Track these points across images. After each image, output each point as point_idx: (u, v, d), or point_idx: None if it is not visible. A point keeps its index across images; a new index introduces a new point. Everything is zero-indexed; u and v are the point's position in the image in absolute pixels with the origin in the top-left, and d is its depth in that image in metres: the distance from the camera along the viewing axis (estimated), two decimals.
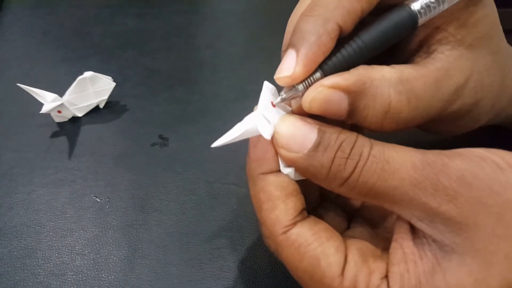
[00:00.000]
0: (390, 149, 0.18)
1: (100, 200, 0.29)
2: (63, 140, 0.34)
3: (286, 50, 0.20)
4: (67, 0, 0.53)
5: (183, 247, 0.26)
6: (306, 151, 0.18)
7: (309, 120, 0.19)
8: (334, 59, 0.19)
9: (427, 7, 0.19)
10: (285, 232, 0.19)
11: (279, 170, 0.20)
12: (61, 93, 0.35)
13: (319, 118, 0.20)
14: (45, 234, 0.27)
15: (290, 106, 0.21)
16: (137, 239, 0.27)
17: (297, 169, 0.19)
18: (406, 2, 0.19)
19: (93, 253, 0.26)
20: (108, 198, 0.30)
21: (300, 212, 0.19)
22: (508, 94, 0.24)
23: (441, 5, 0.19)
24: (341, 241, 0.19)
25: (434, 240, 0.17)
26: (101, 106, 0.37)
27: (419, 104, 0.20)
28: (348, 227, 0.23)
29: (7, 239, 0.27)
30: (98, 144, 0.34)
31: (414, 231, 0.18)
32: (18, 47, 0.46)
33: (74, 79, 0.35)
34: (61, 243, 0.27)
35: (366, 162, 0.17)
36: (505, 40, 0.24)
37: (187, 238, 0.27)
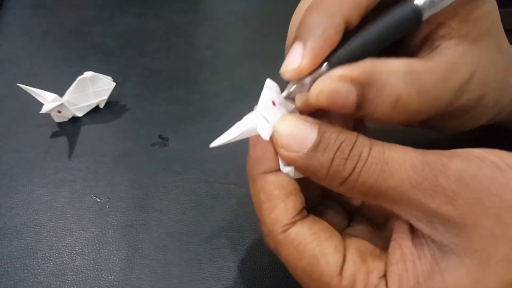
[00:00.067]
0: (390, 149, 0.18)
1: (100, 200, 0.29)
2: (63, 140, 0.34)
3: (291, 45, 0.20)
4: (67, 0, 0.54)
5: (183, 247, 0.26)
6: (305, 150, 0.18)
7: (309, 119, 0.19)
8: (340, 52, 0.19)
9: (431, 2, 0.19)
10: (284, 231, 0.19)
11: (279, 169, 0.20)
12: (61, 93, 0.35)
13: (320, 116, 0.20)
14: (45, 234, 0.27)
15: (293, 103, 0.21)
16: (137, 239, 0.27)
17: (297, 169, 0.19)
18: None
19: (93, 253, 0.26)
20: (108, 198, 0.30)
21: (300, 211, 0.19)
22: (510, 92, 0.25)
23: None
24: (340, 241, 0.19)
25: (433, 241, 0.17)
26: (101, 106, 0.37)
27: (428, 96, 0.20)
28: (349, 225, 0.23)
29: (7, 239, 0.27)
30: (98, 144, 0.34)
31: (413, 231, 0.18)
32: (18, 47, 0.46)
33: (74, 79, 0.35)
34: (61, 243, 0.27)
35: (365, 162, 0.17)
36: (506, 39, 0.24)
37: (187, 238, 0.27)
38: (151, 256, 0.26)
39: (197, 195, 0.30)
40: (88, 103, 0.36)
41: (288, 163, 0.19)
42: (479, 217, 0.16)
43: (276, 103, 0.20)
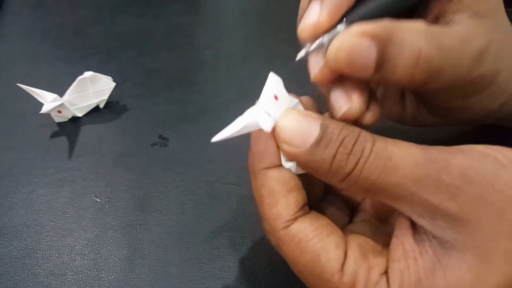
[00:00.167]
0: (393, 145, 0.18)
1: (100, 200, 0.29)
2: (63, 140, 0.34)
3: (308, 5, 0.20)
4: (67, 0, 0.54)
5: (183, 247, 0.26)
6: (308, 146, 0.18)
7: (312, 114, 0.19)
8: (358, 10, 0.19)
9: None
10: (286, 227, 0.19)
11: (281, 165, 0.20)
12: (61, 93, 0.35)
13: (335, 88, 0.20)
14: (45, 234, 0.27)
15: (297, 97, 0.21)
16: (137, 239, 0.27)
17: (299, 164, 0.19)
18: None
19: (93, 253, 0.26)
20: (108, 198, 0.30)
21: (302, 207, 0.19)
22: None
23: None
24: (342, 237, 0.19)
25: (435, 237, 0.17)
26: (101, 106, 0.37)
27: (448, 56, 0.19)
28: (350, 221, 0.23)
29: (7, 239, 0.27)
30: (98, 144, 0.34)
31: (414, 227, 0.18)
32: (18, 47, 0.46)
33: (74, 79, 0.35)
34: (61, 243, 0.27)
35: (368, 158, 0.17)
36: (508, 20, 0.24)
37: (187, 238, 0.27)
38: (151, 256, 0.26)
39: (197, 195, 0.30)
40: (88, 103, 0.36)
41: (290, 158, 0.19)
42: (482, 213, 0.16)
43: (279, 97, 0.20)
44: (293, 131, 0.18)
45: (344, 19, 0.19)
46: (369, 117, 0.22)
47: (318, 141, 0.18)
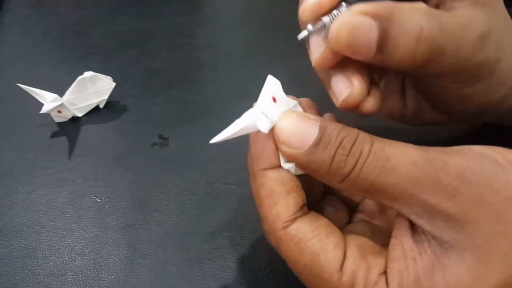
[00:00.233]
0: (391, 146, 0.18)
1: (100, 200, 0.29)
2: (63, 140, 0.34)
3: None
4: (67, 0, 0.54)
5: (183, 247, 0.26)
6: (307, 147, 0.18)
7: (310, 116, 0.19)
8: None
9: None
10: (285, 228, 0.19)
11: (280, 165, 0.20)
12: (61, 93, 0.35)
13: (337, 72, 0.20)
14: (45, 234, 0.27)
15: (296, 99, 0.21)
16: (137, 239, 0.27)
17: (298, 165, 0.19)
18: None
19: (93, 253, 0.26)
20: (108, 198, 0.30)
21: (301, 208, 0.19)
22: None
23: None
24: (341, 237, 0.19)
25: (434, 237, 0.17)
26: (101, 106, 0.37)
27: (449, 37, 0.19)
28: (349, 221, 0.23)
29: (7, 239, 0.27)
30: (98, 144, 0.34)
31: (413, 227, 0.18)
32: (18, 47, 0.46)
33: (74, 79, 0.35)
34: (61, 243, 0.27)
35: (366, 159, 0.17)
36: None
37: (187, 238, 0.27)
38: (151, 256, 0.26)
39: (197, 195, 0.30)
40: (88, 103, 0.36)
41: (289, 159, 0.19)
42: (480, 213, 0.16)
43: (277, 99, 0.20)
44: (292, 132, 0.19)
45: (344, 3, 0.19)
46: (370, 104, 0.22)
47: (317, 143, 0.18)
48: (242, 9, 0.54)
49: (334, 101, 0.23)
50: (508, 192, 0.16)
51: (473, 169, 0.16)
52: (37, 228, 0.27)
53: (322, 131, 0.18)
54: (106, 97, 0.37)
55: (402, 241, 0.18)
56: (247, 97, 0.38)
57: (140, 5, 0.53)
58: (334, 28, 0.19)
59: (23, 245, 0.26)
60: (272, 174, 0.19)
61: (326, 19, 0.19)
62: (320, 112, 0.23)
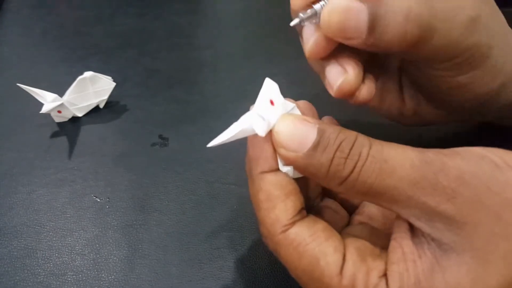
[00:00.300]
0: (389, 148, 0.18)
1: (100, 200, 0.29)
2: (63, 140, 0.34)
3: None
4: (67, 0, 0.54)
5: (183, 247, 0.27)
6: (305, 150, 0.18)
7: (308, 119, 0.19)
8: None
9: None
10: (284, 232, 0.19)
11: (278, 169, 0.20)
12: (61, 93, 0.35)
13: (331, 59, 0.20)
14: (45, 234, 0.27)
15: (294, 102, 0.21)
16: (137, 239, 0.27)
17: (296, 168, 0.19)
18: None
19: (93, 253, 0.26)
20: (108, 198, 0.30)
21: (299, 211, 0.19)
22: None
23: None
24: (340, 241, 0.19)
25: (433, 239, 0.17)
26: (101, 106, 0.37)
27: (439, 17, 0.20)
28: (348, 224, 0.23)
29: (7, 239, 0.27)
30: (98, 144, 0.34)
31: (413, 230, 0.18)
32: (18, 47, 0.46)
33: (74, 79, 0.35)
34: (61, 243, 0.27)
35: (365, 162, 0.17)
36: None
37: (187, 238, 0.27)
38: (151, 256, 0.26)
39: (197, 195, 0.30)
40: (88, 103, 0.36)
41: (287, 163, 0.19)
42: (479, 215, 0.16)
43: (275, 102, 0.20)
44: (290, 135, 0.19)
45: None
46: (365, 91, 0.22)
47: (316, 146, 0.18)
48: (242, 9, 0.54)
49: (330, 90, 0.23)
50: (507, 193, 0.16)
51: (472, 171, 0.16)
52: (37, 228, 0.27)
53: (321, 134, 0.18)
54: (106, 97, 0.37)
55: (402, 244, 0.18)
56: (247, 97, 0.38)
57: (140, 5, 0.53)
58: (325, 13, 0.19)
59: (23, 245, 0.26)
60: (270, 178, 0.19)
61: (317, 6, 0.20)
62: (318, 114, 0.23)
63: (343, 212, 0.24)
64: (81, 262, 0.26)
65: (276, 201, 0.19)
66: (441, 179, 0.16)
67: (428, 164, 0.17)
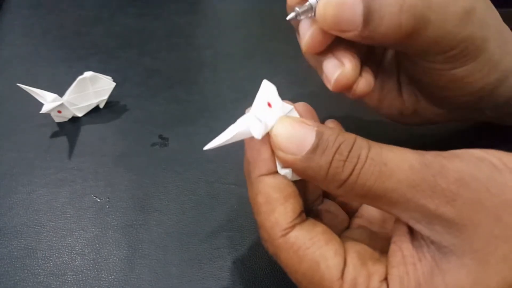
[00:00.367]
0: (388, 151, 0.18)
1: (100, 200, 0.29)
2: (63, 140, 0.34)
3: None
4: (67, 0, 0.53)
5: (183, 247, 0.27)
6: (304, 153, 0.18)
7: (307, 121, 0.19)
8: None
9: None
10: (284, 235, 0.18)
11: (277, 171, 0.19)
12: (61, 93, 0.35)
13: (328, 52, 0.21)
14: (45, 234, 0.27)
15: (291, 104, 0.21)
16: (137, 239, 0.27)
17: (295, 171, 0.19)
18: None
19: (93, 253, 0.26)
20: (108, 198, 0.30)
21: (299, 215, 0.19)
22: (511, 54, 0.25)
23: None
24: (340, 244, 0.19)
25: (432, 242, 0.17)
26: (101, 106, 0.37)
27: (433, 7, 0.20)
28: (348, 226, 0.23)
29: (7, 239, 0.27)
30: (98, 144, 0.34)
31: (412, 233, 0.18)
32: (18, 47, 0.46)
33: (74, 79, 0.35)
34: (61, 243, 0.27)
35: (364, 164, 0.17)
36: None
37: (187, 238, 0.27)
38: (151, 256, 0.26)
39: (197, 195, 0.30)
40: (88, 103, 0.36)
41: (286, 165, 0.19)
42: (479, 217, 0.16)
43: (272, 104, 0.20)
44: (289, 138, 0.18)
45: None
46: (362, 84, 0.22)
47: (315, 148, 0.18)
48: (242, 9, 0.54)
49: (327, 84, 0.23)
50: (506, 195, 0.16)
51: (471, 173, 0.16)
52: (37, 228, 0.27)
53: (319, 136, 0.18)
54: (106, 97, 0.37)
55: (401, 247, 0.18)
56: (247, 97, 0.38)
57: (140, 5, 0.53)
58: (321, 6, 0.19)
59: (23, 245, 0.26)
60: (269, 180, 0.19)
61: (312, 0, 0.20)
62: (318, 115, 0.23)
63: (343, 215, 0.23)
64: (81, 262, 0.26)
65: (275, 204, 0.19)
66: (440, 181, 0.16)
67: (427, 167, 0.17)
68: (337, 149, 0.18)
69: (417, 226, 0.17)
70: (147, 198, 0.30)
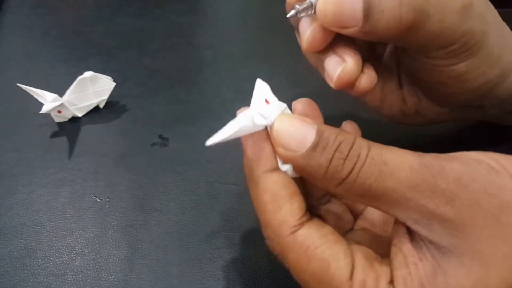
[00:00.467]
0: (388, 151, 0.18)
1: (100, 200, 0.29)
2: (63, 140, 0.34)
3: None
4: (67, 0, 0.53)
5: (183, 247, 0.27)
6: (304, 150, 0.18)
7: (307, 119, 0.19)
8: None
9: None
10: (292, 233, 0.18)
11: (278, 168, 0.19)
12: (61, 93, 0.35)
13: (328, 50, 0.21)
14: (45, 234, 0.27)
15: (284, 104, 0.21)
16: (137, 239, 0.27)
17: (295, 168, 0.19)
18: None
19: (93, 253, 0.26)
20: (108, 198, 0.30)
21: (305, 213, 0.19)
22: (510, 51, 0.25)
23: None
24: (347, 245, 0.18)
25: (431, 242, 0.17)
26: (101, 106, 0.37)
27: (433, 2, 0.20)
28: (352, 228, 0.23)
29: (7, 239, 0.27)
30: (98, 144, 0.34)
31: (411, 233, 0.18)
32: (18, 47, 0.46)
33: (74, 79, 0.35)
34: (61, 243, 0.27)
35: (364, 163, 0.17)
36: None
37: (187, 238, 0.27)
38: (151, 256, 0.26)
39: (197, 195, 0.30)
40: (88, 103, 0.36)
41: (286, 161, 0.19)
42: (477, 217, 0.16)
43: (270, 102, 0.20)
44: (290, 135, 0.18)
45: None
46: (365, 81, 0.22)
47: (315, 146, 0.18)
48: (242, 9, 0.54)
49: (329, 82, 0.23)
50: (504, 196, 0.16)
51: (470, 174, 0.16)
52: (37, 228, 0.27)
53: (320, 134, 0.18)
54: (106, 97, 0.37)
55: (402, 248, 0.18)
56: (247, 97, 0.38)
57: (140, 5, 0.53)
58: (321, 3, 0.19)
59: (23, 245, 0.26)
60: (274, 178, 0.19)
61: None
62: (320, 112, 0.23)
63: (348, 217, 0.23)
64: (81, 262, 0.26)
65: (282, 202, 0.18)
66: (440, 182, 0.16)
67: (427, 167, 0.17)
68: (337, 147, 0.18)
69: (415, 227, 0.17)
70: (147, 198, 0.30)
